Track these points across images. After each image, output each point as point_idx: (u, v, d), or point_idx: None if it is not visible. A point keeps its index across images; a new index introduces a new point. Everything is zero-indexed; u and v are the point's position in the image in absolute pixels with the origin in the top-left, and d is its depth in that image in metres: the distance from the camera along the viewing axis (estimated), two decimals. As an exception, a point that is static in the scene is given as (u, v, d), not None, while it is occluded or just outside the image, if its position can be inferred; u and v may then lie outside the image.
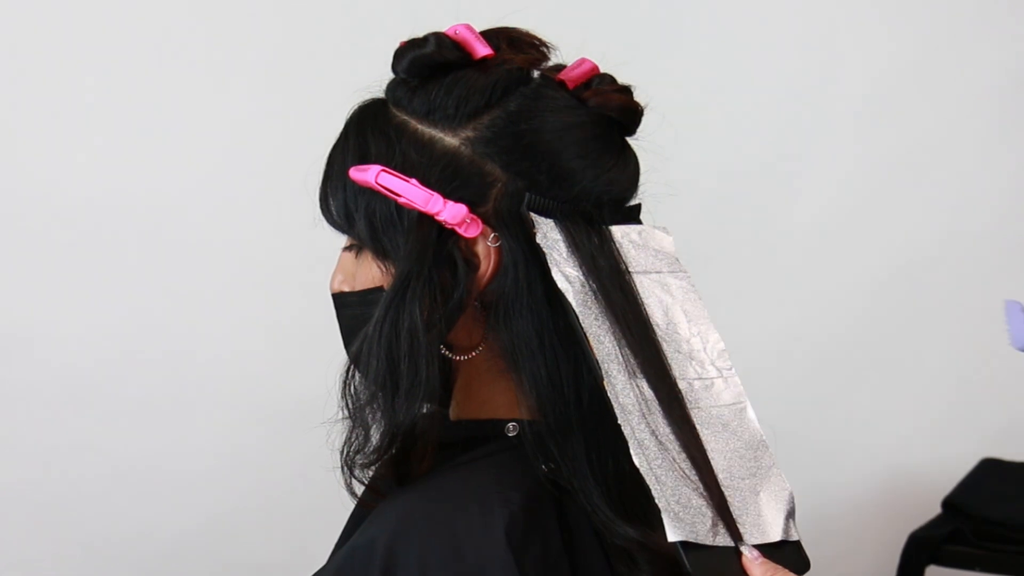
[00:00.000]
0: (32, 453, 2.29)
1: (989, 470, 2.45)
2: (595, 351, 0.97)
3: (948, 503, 2.35)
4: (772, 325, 2.62)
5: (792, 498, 1.01)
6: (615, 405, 0.95)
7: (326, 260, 1.10)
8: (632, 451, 0.94)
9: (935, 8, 2.55)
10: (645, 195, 1.08)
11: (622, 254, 1.03)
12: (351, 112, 1.05)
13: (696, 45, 2.47)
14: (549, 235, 0.99)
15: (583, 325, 0.97)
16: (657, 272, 1.05)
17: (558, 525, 1.00)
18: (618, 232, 1.03)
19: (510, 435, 1.03)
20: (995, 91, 2.58)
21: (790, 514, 1.00)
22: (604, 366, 0.96)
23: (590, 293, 0.99)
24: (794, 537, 0.99)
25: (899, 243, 2.62)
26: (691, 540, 0.93)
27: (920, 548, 2.28)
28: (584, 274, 0.99)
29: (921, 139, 2.59)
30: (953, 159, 2.61)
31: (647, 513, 0.95)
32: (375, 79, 1.06)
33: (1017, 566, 2.24)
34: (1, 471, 2.28)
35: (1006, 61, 2.57)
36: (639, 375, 0.98)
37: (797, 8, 2.53)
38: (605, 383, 0.96)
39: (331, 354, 1.08)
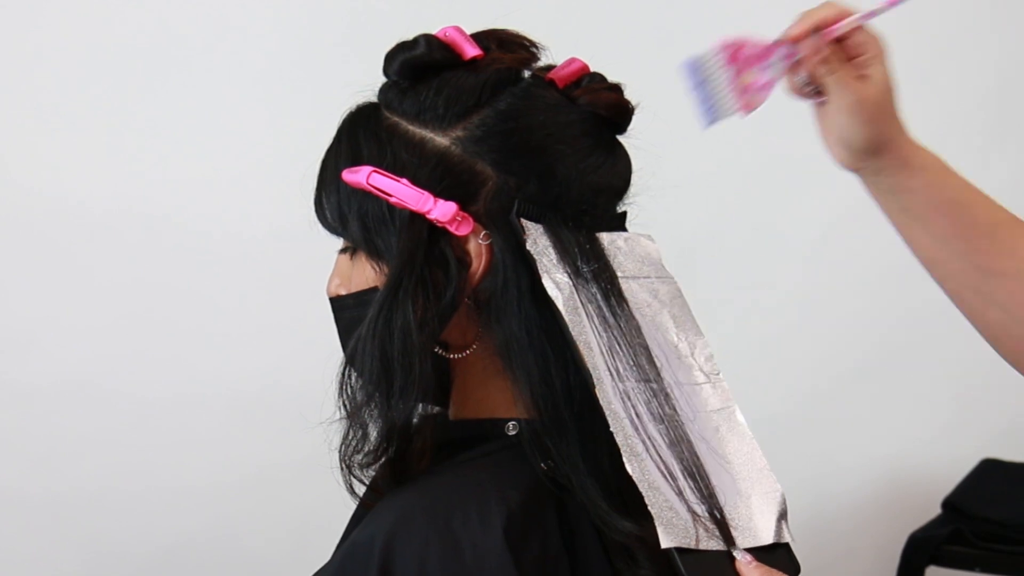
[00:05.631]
0: (32, 453, 2.29)
1: (989, 470, 2.45)
2: (585, 358, 0.97)
3: (948, 503, 2.35)
4: (772, 324, 2.62)
5: (783, 499, 1.01)
6: (607, 412, 0.96)
7: (324, 260, 1.11)
8: (625, 459, 0.95)
9: (933, 8, 2.55)
10: (640, 194, 1.08)
11: (610, 260, 1.03)
12: (344, 116, 1.06)
13: (693, 43, 2.47)
14: (539, 241, 0.99)
15: (572, 332, 0.97)
16: (645, 277, 1.05)
17: (558, 524, 1.00)
18: (606, 238, 1.04)
19: (510, 434, 1.03)
20: (993, 92, 2.58)
21: (782, 515, 1.01)
22: (594, 373, 0.97)
23: (580, 299, 0.99)
24: (786, 539, 1.00)
25: (900, 243, 2.61)
26: (684, 546, 0.93)
27: (920, 548, 2.28)
28: (574, 280, 0.99)
29: (921, 139, 2.59)
30: (953, 159, 2.61)
31: (647, 507, 0.95)
32: (374, 79, 1.06)
33: (1017, 566, 2.24)
34: (1, 471, 2.29)
35: (1004, 62, 2.57)
36: (629, 381, 0.98)
37: (796, 7, 2.53)
38: (597, 390, 0.96)
39: (329, 353, 1.08)
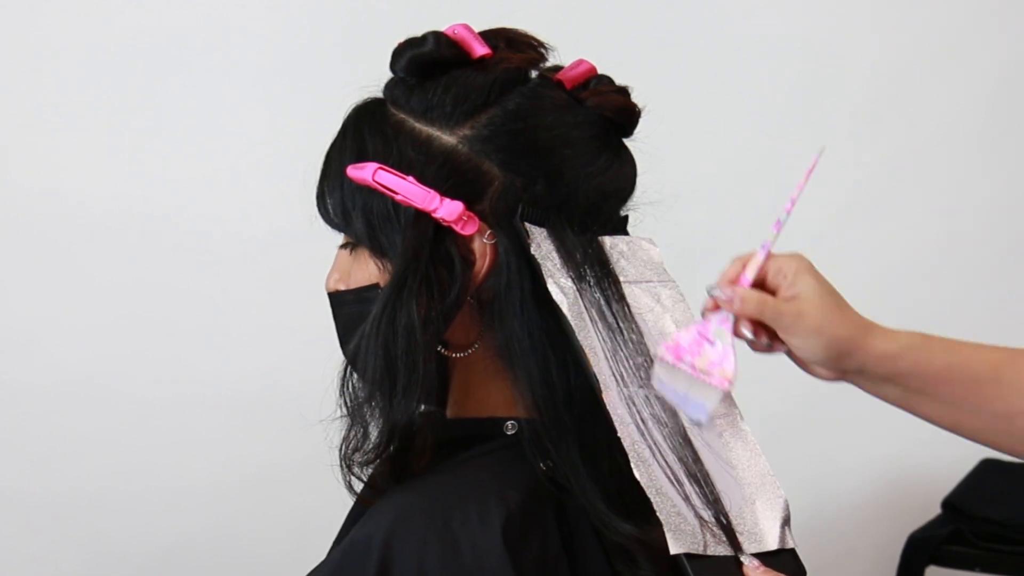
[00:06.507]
0: (32, 453, 2.29)
1: (989, 470, 2.45)
2: (591, 363, 0.97)
3: (948, 503, 2.34)
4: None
5: (787, 505, 1.01)
6: (613, 417, 0.96)
7: (325, 260, 1.11)
8: (632, 464, 0.95)
9: (932, 9, 2.55)
10: (643, 197, 1.08)
11: (613, 264, 1.03)
12: (349, 111, 1.05)
13: (694, 45, 2.47)
14: (543, 245, 0.99)
15: (578, 337, 0.97)
16: (647, 282, 1.05)
17: (557, 525, 1.01)
18: (608, 242, 1.04)
19: (509, 434, 1.03)
20: (993, 91, 2.58)
21: (786, 521, 1.01)
22: (600, 378, 0.97)
23: (584, 304, 0.99)
24: (790, 544, 1.00)
25: (898, 243, 2.61)
26: (692, 552, 0.93)
27: (920, 548, 2.27)
28: (578, 285, 0.99)
29: (921, 139, 2.59)
30: (953, 159, 2.61)
31: (647, 510, 0.95)
32: (374, 79, 1.06)
33: (1017, 566, 2.24)
34: (1, 471, 2.28)
35: (1003, 61, 2.57)
36: (633, 386, 0.98)
37: (796, 9, 2.53)
38: (603, 395, 0.96)
39: (329, 353, 1.08)
